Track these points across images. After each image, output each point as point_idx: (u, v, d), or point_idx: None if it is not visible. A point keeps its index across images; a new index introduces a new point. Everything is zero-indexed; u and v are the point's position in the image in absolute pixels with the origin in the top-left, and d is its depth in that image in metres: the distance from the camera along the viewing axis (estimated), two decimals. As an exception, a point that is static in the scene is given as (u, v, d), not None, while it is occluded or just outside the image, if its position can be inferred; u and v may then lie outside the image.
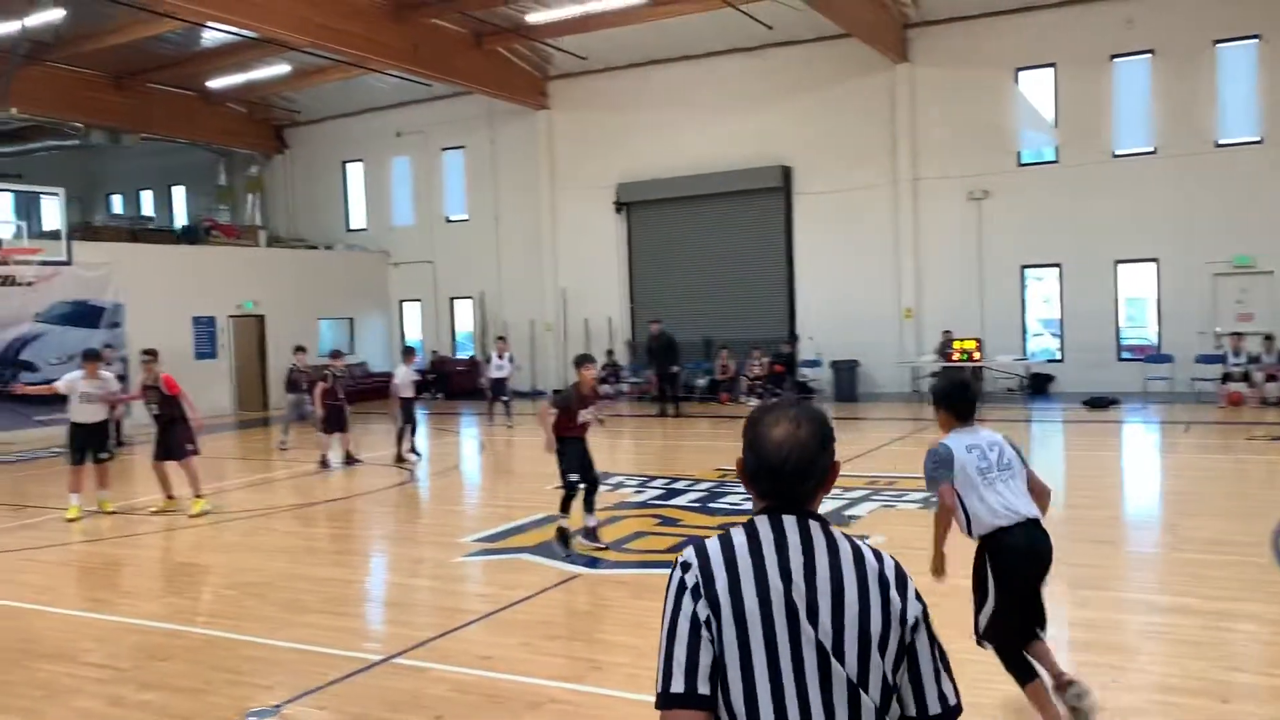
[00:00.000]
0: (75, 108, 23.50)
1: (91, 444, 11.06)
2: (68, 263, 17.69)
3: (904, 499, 10.15)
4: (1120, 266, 19.54)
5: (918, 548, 8.00)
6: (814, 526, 2.01)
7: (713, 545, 2.00)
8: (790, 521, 2.00)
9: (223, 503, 11.73)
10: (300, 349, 16.95)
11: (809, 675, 1.89)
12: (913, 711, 1.97)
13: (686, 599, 1.95)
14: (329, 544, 9.79)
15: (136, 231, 24.76)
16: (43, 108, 22.55)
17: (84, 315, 20.05)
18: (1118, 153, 19.39)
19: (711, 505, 10.23)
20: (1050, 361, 20.23)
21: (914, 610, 2.00)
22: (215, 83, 24.15)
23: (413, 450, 14.58)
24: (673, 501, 10.51)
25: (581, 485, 8.70)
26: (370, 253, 27.09)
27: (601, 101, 23.61)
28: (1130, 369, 19.32)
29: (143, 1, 16.84)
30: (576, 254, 24.18)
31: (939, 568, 5.04)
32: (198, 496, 10.99)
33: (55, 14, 18.44)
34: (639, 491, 11.21)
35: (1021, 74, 20.03)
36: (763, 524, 2.01)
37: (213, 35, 21.51)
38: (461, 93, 24.33)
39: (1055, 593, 6.98)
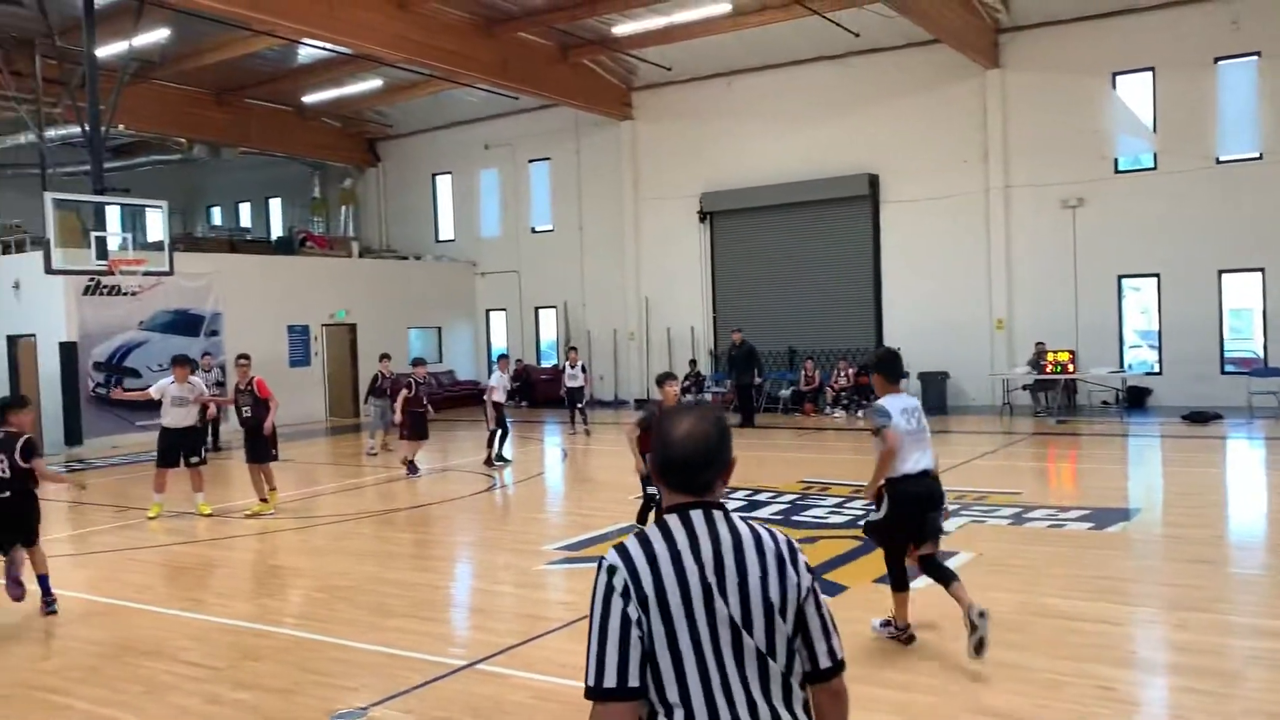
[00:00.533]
0: (179, 123, 24.40)
1: (184, 448, 11.45)
2: (170, 273, 18.32)
3: (995, 514, 9.90)
4: (1224, 276, 18.82)
5: (1014, 565, 7.84)
6: (718, 517, 2.27)
7: (634, 548, 2.23)
8: (697, 515, 2.25)
9: (313, 507, 12.02)
10: (385, 357, 17.40)
11: (725, 650, 2.17)
12: (807, 667, 2.26)
13: (616, 600, 2.17)
14: (415, 549, 9.94)
15: (235, 242, 25.56)
16: (148, 124, 23.47)
17: (185, 323, 20.78)
18: (1222, 158, 18.70)
19: (795, 518, 10.11)
20: (1148, 374, 19.56)
21: (805, 581, 2.26)
22: (310, 98, 24.85)
23: (500, 457, 14.85)
24: (755, 514, 10.41)
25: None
26: (458, 263, 27.54)
27: (685, 111, 23.64)
28: (1234, 382, 18.58)
29: (243, 19, 17.40)
30: (659, 263, 24.23)
31: (875, 496, 6.25)
32: (262, 500, 11.49)
33: (161, 34, 19.17)
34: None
35: (1119, 78, 19.46)
36: (674, 522, 2.25)
37: (308, 52, 22.14)
38: (548, 105, 24.62)
39: (1152, 614, 6.75)
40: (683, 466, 2.28)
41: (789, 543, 2.29)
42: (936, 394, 20.34)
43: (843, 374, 20.66)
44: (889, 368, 6.43)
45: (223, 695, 5.67)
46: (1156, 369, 19.55)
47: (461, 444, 17.76)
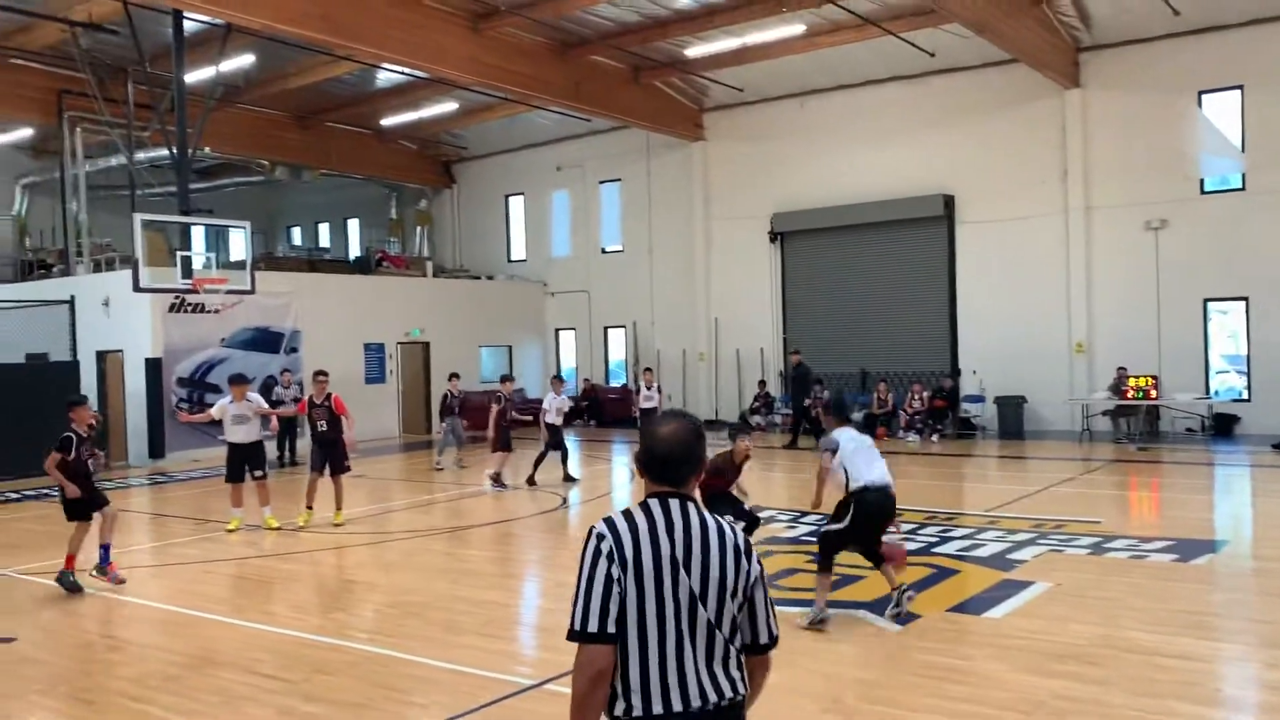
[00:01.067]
0: (261, 146, 25.12)
1: (248, 462, 11.77)
2: (252, 291, 18.80)
3: (1073, 544, 9.63)
4: (1317, 300, 18.16)
5: (1093, 597, 7.62)
6: (690, 507, 2.72)
7: (620, 522, 2.68)
8: (674, 503, 2.71)
9: (386, 522, 12.18)
10: (454, 376, 17.66)
11: (682, 615, 2.63)
12: (749, 640, 2.76)
13: (603, 562, 2.63)
14: (486, 566, 9.99)
15: (314, 262, 26.15)
16: (233, 147, 24.20)
17: (265, 341, 21.28)
18: (1314, 178, 18.07)
19: (866, 543, 9.94)
20: (1236, 401, 18.92)
21: (755, 570, 2.75)
22: (388, 121, 25.39)
23: (568, 476, 14.94)
24: (826, 537, 10.26)
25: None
26: (529, 282, 27.81)
27: (757, 132, 23.61)
28: (1328, 411, 17.87)
29: (325, 45, 17.87)
30: (729, 284, 24.18)
31: (817, 504, 7.95)
32: (339, 509, 11.89)
33: (246, 59, 19.77)
34: (791, 527, 11.03)
35: (1205, 96, 18.94)
36: (654, 505, 2.71)
37: (387, 76, 22.64)
38: (619, 127, 24.80)
39: (1240, 651, 6.49)
40: (664, 462, 2.75)
41: (745, 538, 2.77)
42: (1013, 418, 19.93)
43: (917, 397, 20.34)
44: (837, 409, 8.49)
45: (295, 708, 5.75)
46: (1245, 395, 18.89)
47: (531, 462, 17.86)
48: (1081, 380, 19.86)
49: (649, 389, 18.66)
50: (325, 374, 12.37)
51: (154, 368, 19.28)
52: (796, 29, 18.74)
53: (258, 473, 11.74)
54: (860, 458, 7.53)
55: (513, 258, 28.64)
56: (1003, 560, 8.99)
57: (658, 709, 2.62)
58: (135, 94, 20.97)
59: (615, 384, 26.55)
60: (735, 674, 2.70)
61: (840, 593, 8.03)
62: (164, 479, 17.43)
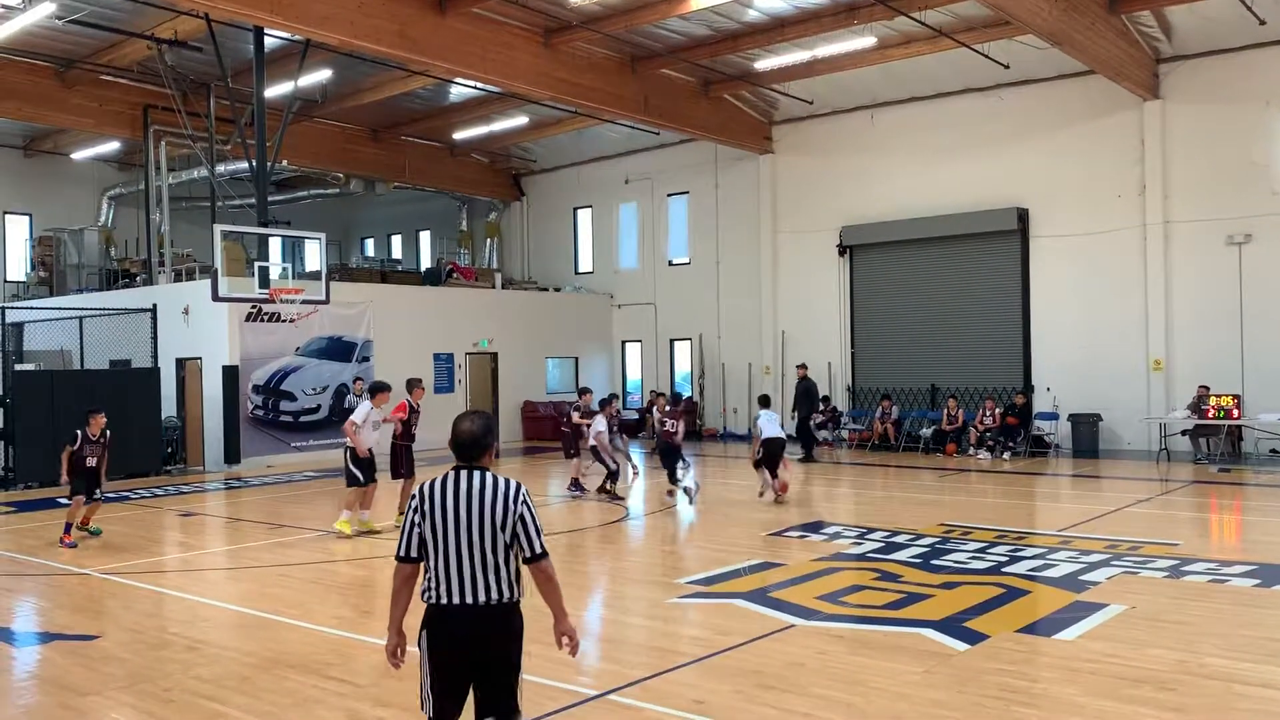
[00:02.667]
0: (337, 159, 25.68)
1: (373, 469, 12.16)
2: (326, 301, 19.20)
3: (1150, 566, 9.39)
4: None
5: (1170, 621, 7.43)
6: (478, 472, 4.10)
7: (427, 485, 4.11)
8: (466, 471, 4.10)
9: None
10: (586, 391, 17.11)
11: (464, 543, 3.99)
12: (526, 555, 4.07)
13: (414, 510, 4.10)
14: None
15: (386, 273, 26.63)
16: (309, 160, 24.79)
17: (338, 350, 21.72)
18: None
19: (935, 561, 9.81)
20: (1324, 422, 18.26)
21: (520, 508, 4.06)
22: (460, 134, 25.78)
23: (610, 492, 14.75)
24: (893, 556, 10.16)
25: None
26: (596, 295, 27.97)
27: (826, 144, 23.49)
28: None
29: (400, 60, 18.23)
30: (797, 297, 24.05)
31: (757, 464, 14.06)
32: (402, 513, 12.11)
33: (323, 74, 20.25)
34: (856, 544, 10.92)
35: (1291, 108, 18.39)
36: (454, 472, 4.10)
37: (459, 91, 23.01)
38: (688, 140, 24.87)
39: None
40: (460, 446, 4.13)
41: (517, 486, 4.10)
42: (1088, 437, 19.50)
43: (989, 414, 20.00)
44: (763, 401, 15.87)
45: (363, 712, 5.85)
46: (1333, 416, 18.23)
47: (595, 474, 17.92)
48: (1159, 398, 19.36)
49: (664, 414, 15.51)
50: (421, 383, 13.19)
51: (231, 375, 19.78)
52: (868, 41, 18.62)
53: (373, 479, 12.14)
54: (766, 426, 14.11)
55: (580, 270, 28.84)
56: (1075, 581, 8.80)
57: (444, 600, 4.02)
58: (217, 108, 21.61)
59: (683, 396, 26.53)
60: (501, 582, 4.03)
61: (905, 611, 7.94)
62: (238, 484, 17.85)
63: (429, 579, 4.06)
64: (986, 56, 18.93)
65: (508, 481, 4.08)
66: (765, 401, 15.66)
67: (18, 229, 27.27)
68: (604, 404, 15.69)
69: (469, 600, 3.99)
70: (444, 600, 4.02)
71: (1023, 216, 20.79)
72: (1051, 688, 6.13)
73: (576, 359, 27.38)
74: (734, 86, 22.18)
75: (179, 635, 7.75)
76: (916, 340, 22.27)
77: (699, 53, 19.89)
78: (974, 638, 7.11)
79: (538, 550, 4.07)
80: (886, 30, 18.44)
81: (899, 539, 11.04)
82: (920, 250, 22.21)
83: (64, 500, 15.65)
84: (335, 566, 10.46)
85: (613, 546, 11.79)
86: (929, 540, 10.94)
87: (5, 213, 27.00)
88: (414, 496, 4.10)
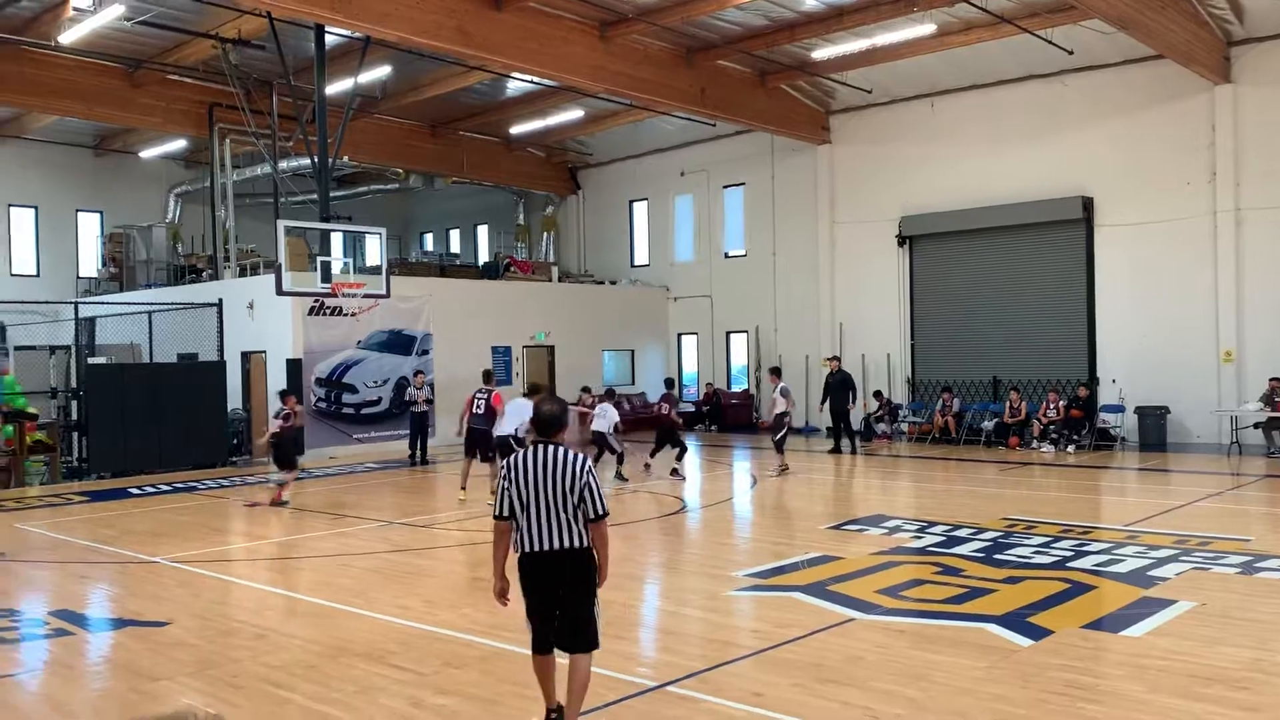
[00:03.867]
0: (396, 155, 25.98)
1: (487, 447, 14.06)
2: (387, 295, 19.45)
3: (1220, 562, 9.16)
4: None
5: (1243, 619, 7.26)
6: (553, 446, 5.15)
7: (515, 457, 5.18)
8: (546, 447, 5.16)
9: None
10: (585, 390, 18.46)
11: (544, 502, 5.06)
12: (590, 516, 5.08)
13: (505, 479, 5.14)
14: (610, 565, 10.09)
15: (445, 267, 26.89)
16: (369, 155, 25.11)
17: (398, 343, 21.99)
18: None
19: (998, 556, 9.67)
20: (1405, 415, 17.66)
21: (586, 477, 5.08)
22: (517, 129, 25.93)
23: (620, 476, 15.58)
24: (955, 550, 10.03)
25: None
26: (652, 287, 27.98)
27: (885, 134, 23.22)
28: None
29: (458, 56, 18.37)
30: (855, 288, 23.81)
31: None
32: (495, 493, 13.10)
33: (383, 71, 20.48)
34: (917, 537, 10.80)
35: (1371, 90, 17.77)
36: (536, 447, 5.16)
37: (516, 85, 23.14)
38: (744, 131, 24.74)
39: None
40: (543, 424, 5.25)
41: (584, 461, 5.14)
42: (1155, 430, 19.07)
43: (1052, 406, 19.64)
44: (775, 370, 17.82)
45: (426, 700, 5.93)
46: None
47: (654, 465, 17.96)
48: (1230, 391, 18.86)
49: (774, 391, 17.10)
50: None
51: (294, 368, 20.13)
52: (927, 29, 18.36)
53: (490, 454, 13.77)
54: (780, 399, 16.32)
55: (636, 263, 28.87)
56: (1143, 577, 8.62)
57: (531, 548, 5.11)
58: (279, 106, 21.98)
59: (737, 389, 26.47)
60: (575, 534, 5.09)
61: (968, 605, 7.84)
62: (302, 475, 18.13)
63: (519, 533, 5.13)
64: (1050, 42, 18.55)
65: (577, 455, 5.15)
66: (778, 373, 17.59)
67: (90, 226, 28.01)
68: (608, 394, 16.69)
69: (549, 546, 5.07)
70: (531, 548, 5.11)
71: (1087, 205, 20.36)
72: (1118, 684, 6.01)
73: (632, 352, 27.42)
74: (791, 76, 22.01)
75: (246, 623, 7.92)
76: (978, 331, 21.94)
77: (755, 43, 19.76)
78: (1038, 633, 7.00)
79: (600, 512, 5.12)
80: (946, 17, 18.17)
81: (960, 533, 10.90)
82: (982, 240, 21.86)
83: (135, 490, 16.08)
84: (396, 556, 10.60)
85: (668, 538, 11.80)
86: (991, 534, 10.78)
87: (78, 210, 27.74)
88: (504, 466, 5.20)
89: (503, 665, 6.59)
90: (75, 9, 15.99)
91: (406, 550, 10.91)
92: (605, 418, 15.74)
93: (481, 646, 7.05)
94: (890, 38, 18.72)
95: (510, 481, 5.13)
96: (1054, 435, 19.38)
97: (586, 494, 5.07)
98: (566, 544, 5.08)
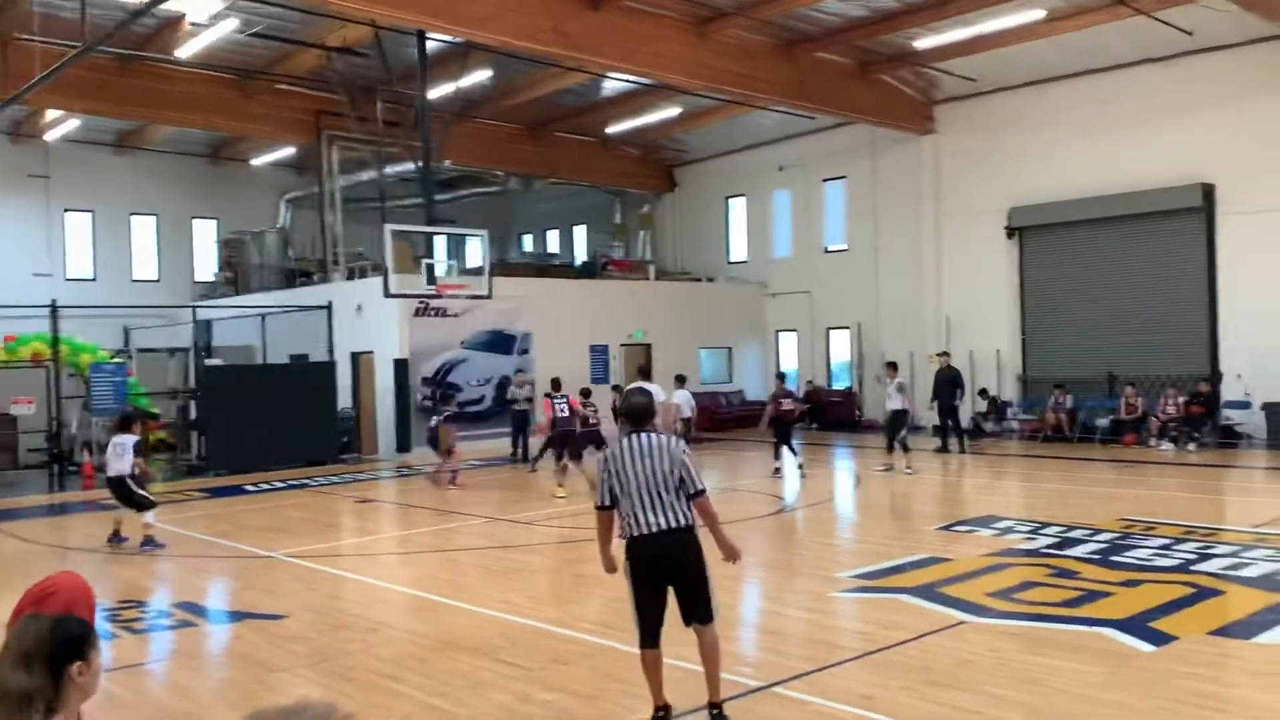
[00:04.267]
0: (496, 158, 26.35)
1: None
2: (489, 296, 19.75)
3: (1360, 567, 8.65)
4: None
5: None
6: (645, 433, 5.39)
7: (614, 445, 5.41)
8: (638, 435, 5.37)
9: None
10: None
11: (646, 486, 5.24)
12: (690, 492, 5.29)
13: (604, 470, 5.38)
14: (714, 565, 10.05)
15: (543, 267, 27.16)
16: (470, 159, 25.51)
17: (499, 343, 22.32)
18: None
19: (1115, 558, 9.31)
20: None
21: (682, 456, 5.31)
22: (613, 128, 26.02)
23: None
24: (1069, 552, 9.69)
25: None
26: (749, 284, 27.79)
27: (992, 123, 22.59)
28: None
29: (556, 58, 18.53)
30: (961, 282, 23.22)
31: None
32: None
33: (483, 75, 20.79)
34: (1029, 539, 10.47)
35: None
36: (629, 436, 5.39)
37: (612, 85, 23.23)
38: (844, 123, 24.36)
39: None
40: (634, 414, 5.51)
41: (678, 442, 5.41)
42: (1283, 427, 18.13)
43: (1171, 402, 18.85)
44: (891, 365, 17.46)
45: (533, 695, 5.98)
46: None
47: (751, 464, 17.85)
48: (1367, 385, 17.81)
49: (890, 385, 16.90)
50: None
51: (401, 368, 20.60)
52: (1036, 14, 17.77)
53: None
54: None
55: (733, 259, 28.71)
56: (1274, 581, 8.20)
57: (637, 532, 5.25)
58: (384, 112, 22.48)
59: (838, 386, 26.11)
60: (679, 512, 5.27)
61: (1084, 609, 7.57)
62: (409, 471, 18.56)
63: (624, 519, 5.31)
64: (1167, 24, 17.79)
65: (669, 438, 5.44)
66: (895, 369, 17.42)
67: (206, 232, 29.13)
68: (583, 394, 16.42)
69: (656, 528, 5.22)
70: (637, 532, 5.26)
71: (1208, 193, 19.47)
72: (1248, 694, 5.73)
73: (730, 349, 27.29)
74: (893, 67, 21.58)
75: (358, 616, 8.11)
76: (1092, 325, 21.18)
77: (856, 34, 19.44)
78: (1160, 639, 6.71)
79: (699, 487, 5.32)
80: (1057, 1, 17.58)
81: (1075, 534, 10.53)
82: (1096, 230, 21.10)
83: (250, 487, 16.66)
84: (500, 552, 10.74)
85: (771, 539, 11.70)
86: (1108, 535, 10.39)
87: (194, 218, 28.87)
88: (602, 459, 5.49)
89: (608, 662, 6.61)
90: (192, 24, 16.62)
91: (510, 546, 11.04)
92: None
93: (586, 643, 7.08)
94: (997, 24, 18.19)
95: (610, 472, 5.32)
96: (1173, 433, 18.61)
97: (684, 473, 5.28)
98: (672, 523, 5.24)
